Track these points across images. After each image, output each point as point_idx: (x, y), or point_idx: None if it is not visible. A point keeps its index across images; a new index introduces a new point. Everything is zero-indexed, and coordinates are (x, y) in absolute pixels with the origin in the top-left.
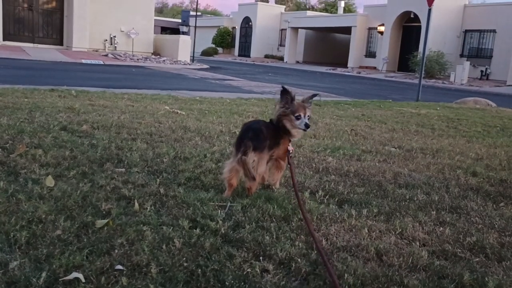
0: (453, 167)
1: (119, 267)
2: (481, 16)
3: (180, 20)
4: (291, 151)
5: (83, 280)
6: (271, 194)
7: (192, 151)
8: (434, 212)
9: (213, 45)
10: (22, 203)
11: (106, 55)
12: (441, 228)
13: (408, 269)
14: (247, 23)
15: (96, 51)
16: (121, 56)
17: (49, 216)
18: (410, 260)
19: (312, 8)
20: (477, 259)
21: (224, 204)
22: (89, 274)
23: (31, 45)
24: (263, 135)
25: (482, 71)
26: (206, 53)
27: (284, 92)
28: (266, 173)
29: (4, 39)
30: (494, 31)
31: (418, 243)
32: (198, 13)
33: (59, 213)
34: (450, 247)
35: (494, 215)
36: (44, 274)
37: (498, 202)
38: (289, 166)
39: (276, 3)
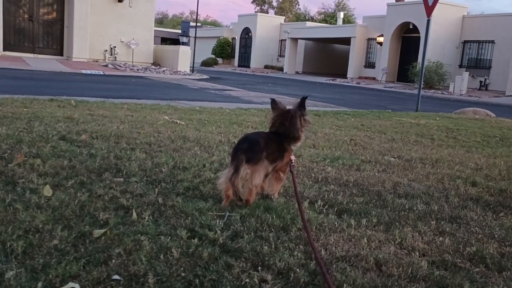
0: (452, 177)
1: (116, 277)
2: (480, 27)
3: (180, 31)
4: (293, 161)
5: None
6: (270, 204)
7: (191, 161)
8: (434, 222)
9: (213, 56)
10: (20, 212)
11: (106, 66)
12: (441, 238)
13: (407, 279)
14: (246, 34)
15: (96, 61)
16: (121, 66)
17: (46, 226)
18: (410, 270)
19: (312, 19)
20: (477, 269)
21: (223, 213)
22: (85, 284)
23: (31, 55)
24: (258, 147)
25: (481, 82)
26: (206, 63)
27: (304, 101)
28: (266, 183)
29: (4, 49)
30: (492, 41)
31: (417, 253)
32: (198, 24)
33: (56, 222)
34: (450, 257)
35: (494, 225)
36: (40, 284)
37: (498, 212)
38: (291, 174)
39: (275, 14)
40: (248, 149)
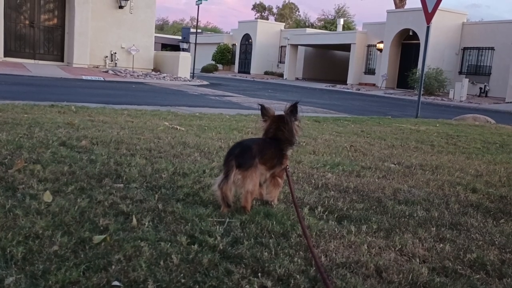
0: (452, 183)
1: (116, 283)
2: (480, 34)
3: (180, 37)
4: (288, 167)
5: None
6: (269, 210)
7: (191, 167)
8: (434, 228)
9: (213, 62)
10: (20, 218)
11: (107, 72)
12: (441, 245)
13: (408, 286)
14: (247, 40)
15: (97, 67)
16: (121, 72)
17: (46, 232)
18: (410, 277)
19: (312, 26)
20: (477, 276)
21: (223, 220)
22: None
23: (32, 61)
24: (250, 153)
25: (481, 88)
26: (206, 69)
27: (296, 107)
28: (263, 189)
29: (5, 55)
30: (492, 48)
31: (418, 260)
32: (198, 30)
33: (56, 228)
34: (450, 263)
35: (494, 232)
36: None
37: (498, 219)
38: (287, 179)
39: (276, 20)
40: (239, 155)
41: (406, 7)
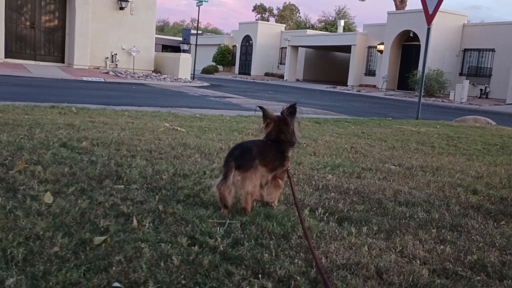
0: (453, 185)
1: (117, 284)
2: (480, 35)
3: (181, 38)
4: (289, 168)
5: None
6: (270, 212)
7: (192, 168)
8: (435, 230)
9: (214, 63)
10: (20, 219)
11: (107, 73)
12: (442, 246)
13: None
14: (247, 42)
15: (97, 68)
16: (122, 73)
17: (47, 233)
18: (411, 279)
19: (312, 27)
20: (478, 278)
21: (223, 221)
22: None
23: (32, 62)
24: (250, 154)
25: (481, 90)
26: (206, 71)
27: (295, 109)
28: (264, 191)
29: (6, 57)
30: (493, 50)
31: (418, 261)
32: (199, 32)
33: (57, 229)
34: (451, 265)
35: (495, 233)
36: None
37: (498, 220)
38: (289, 181)
39: (276, 21)
40: (239, 156)
41: (406, 8)
